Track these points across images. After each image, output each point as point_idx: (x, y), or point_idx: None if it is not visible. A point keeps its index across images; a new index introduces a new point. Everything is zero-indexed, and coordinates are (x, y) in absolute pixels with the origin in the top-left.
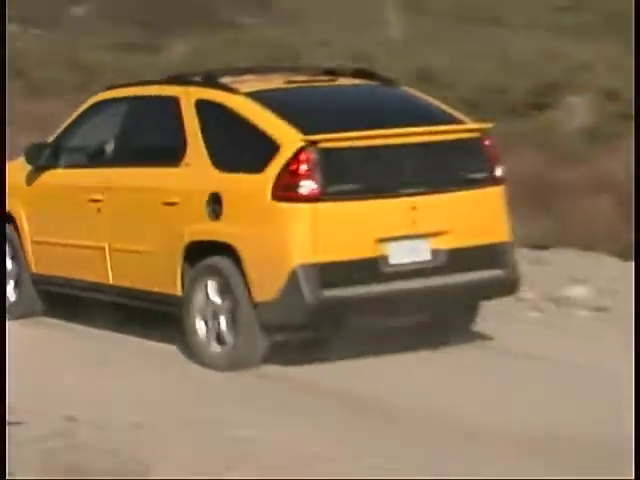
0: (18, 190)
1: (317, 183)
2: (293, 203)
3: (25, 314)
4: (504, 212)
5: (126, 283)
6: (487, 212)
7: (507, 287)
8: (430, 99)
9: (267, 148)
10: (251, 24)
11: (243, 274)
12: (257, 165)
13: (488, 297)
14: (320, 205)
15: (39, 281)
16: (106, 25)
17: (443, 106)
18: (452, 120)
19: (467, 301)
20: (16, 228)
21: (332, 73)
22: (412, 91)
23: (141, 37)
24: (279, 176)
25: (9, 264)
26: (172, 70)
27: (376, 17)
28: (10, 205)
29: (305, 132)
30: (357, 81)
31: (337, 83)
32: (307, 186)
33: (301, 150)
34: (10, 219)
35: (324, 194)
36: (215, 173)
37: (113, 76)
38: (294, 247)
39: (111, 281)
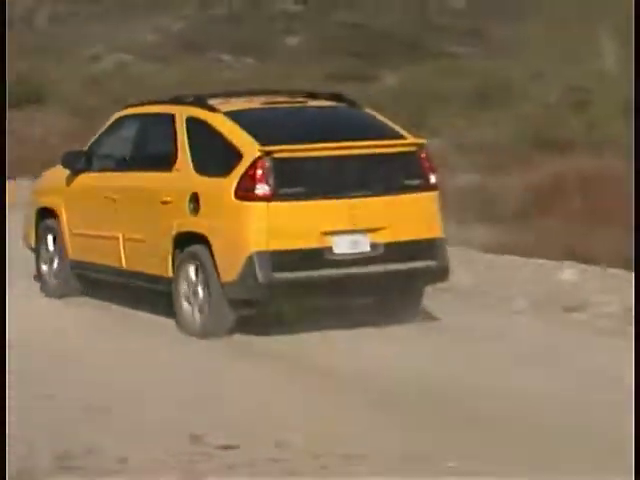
0: (59, 190)
1: (270, 186)
2: (251, 202)
3: (64, 294)
4: (437, 213)
5: (135, 267)
6: (421, 212)
7: (438, 275)
8: (383, 118)
9: (233, 157)
10: (462, 54)
11: (213, 259)
12: (225, 170)
13: (423, 283)
14: (272, 204)
15: (74, 266)
16: (319, 55)
17: (392, 125)
18: (396, 136)
19: (404, 287)
20: (58, 222)
21: (312, 96)
22: (371, 112)
23: (353, 67)
24: (240, 179)
25: (54, 252)
26: (383, 100)
27: (592, 48)
28: (54, 203)
29: (263, 144)
30: (326, 103)
31: (305, 104)
32: (262, 188)
33: (258, 159)
34: (54, 214)
35: (276, 195)
36: (196, 177)
37: None
38: (251, 237)
39: (124, 266)
